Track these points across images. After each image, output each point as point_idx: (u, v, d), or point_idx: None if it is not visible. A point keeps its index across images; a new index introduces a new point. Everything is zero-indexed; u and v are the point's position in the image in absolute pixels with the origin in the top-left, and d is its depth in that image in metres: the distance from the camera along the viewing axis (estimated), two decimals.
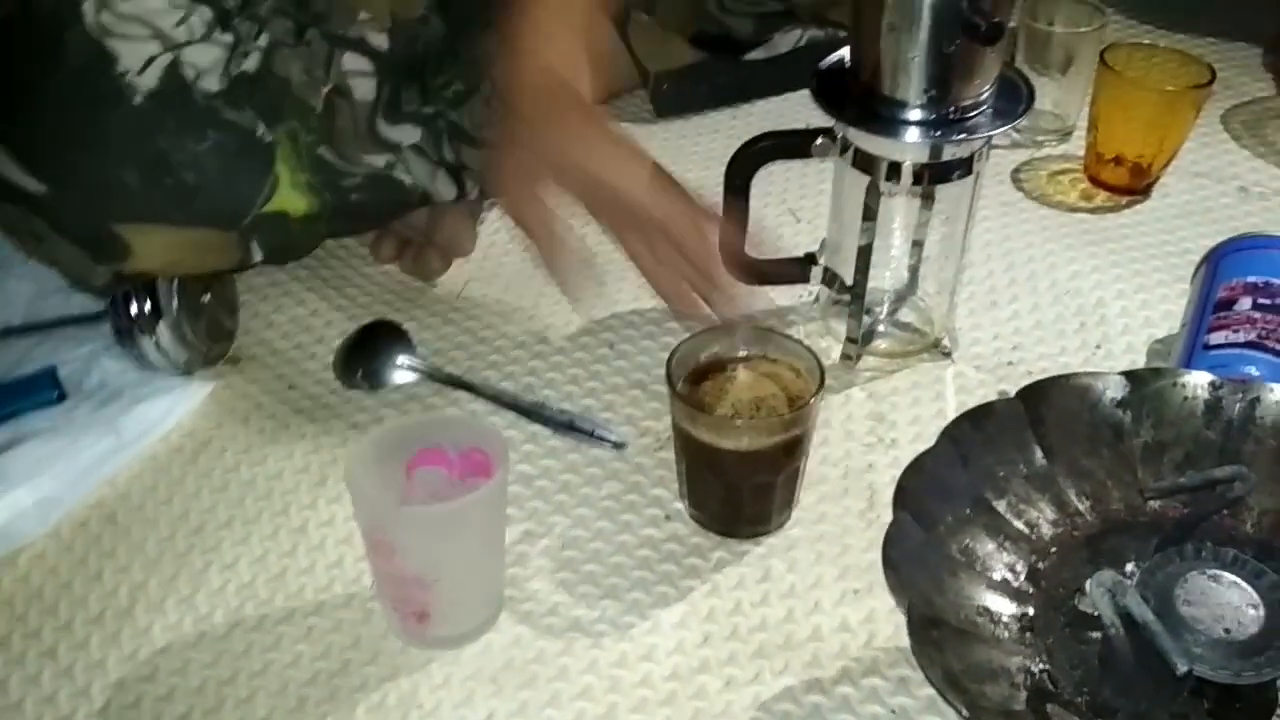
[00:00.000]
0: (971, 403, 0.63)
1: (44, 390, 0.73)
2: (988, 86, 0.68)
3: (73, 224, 0.71)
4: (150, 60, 0.68)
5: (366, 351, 0.78)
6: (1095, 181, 0.94)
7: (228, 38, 0.71)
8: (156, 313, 0.73)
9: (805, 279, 0.79)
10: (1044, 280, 0.85)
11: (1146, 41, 1.02)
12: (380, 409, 0.76)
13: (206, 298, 0.78)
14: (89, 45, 0.67)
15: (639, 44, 1.03)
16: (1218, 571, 0.53)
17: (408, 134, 0.80)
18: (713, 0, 1.02)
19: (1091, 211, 0.92)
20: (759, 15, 1.03)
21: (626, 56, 1.03)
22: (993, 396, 0.73)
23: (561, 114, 0.71)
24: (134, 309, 0.73)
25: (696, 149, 1.00)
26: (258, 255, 0.75)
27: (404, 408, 0.76)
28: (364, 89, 0.77)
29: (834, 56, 0.72)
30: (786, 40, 1.05)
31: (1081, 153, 0.95)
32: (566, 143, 0.71)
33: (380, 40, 0.78)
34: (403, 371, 0.77)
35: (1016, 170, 0.96)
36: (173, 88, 0.69)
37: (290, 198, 0.75)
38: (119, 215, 0.70)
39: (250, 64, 0.72)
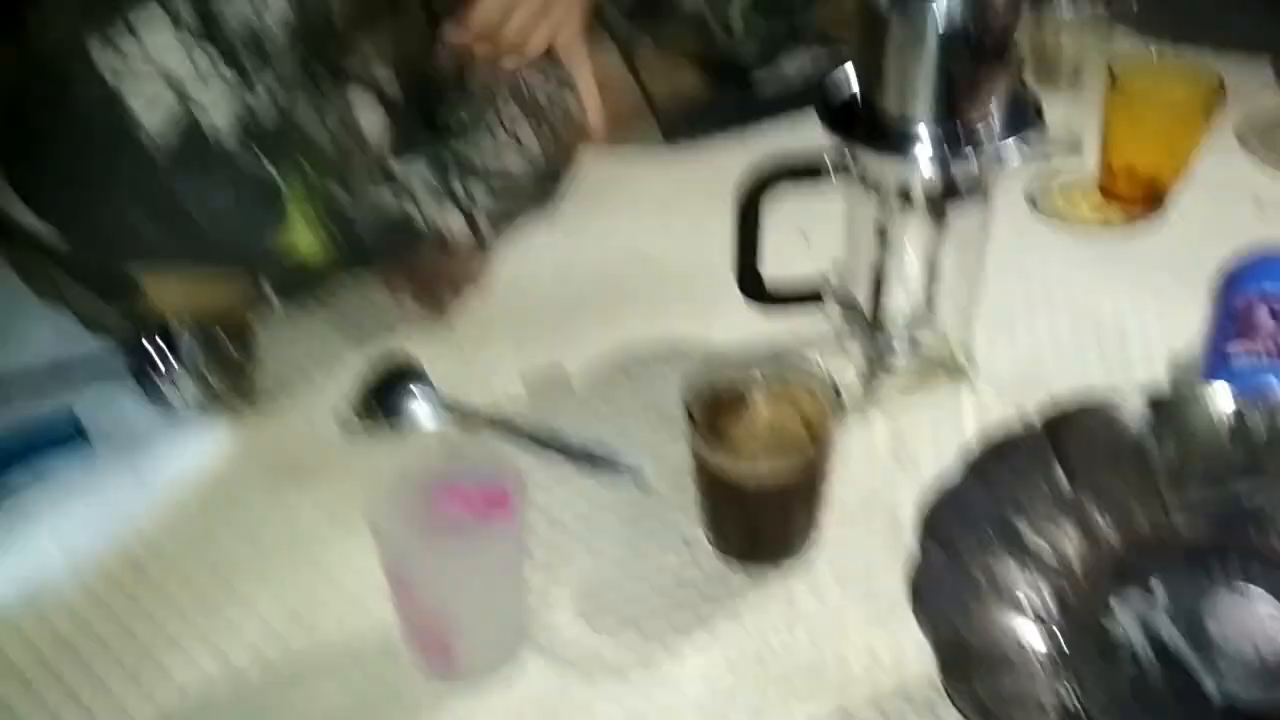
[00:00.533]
0: (992, 424, 0.63)
1: (64, 431, 0.73)
2: (996, 104, 0.68)
3: (84, 267, 0.71)
4: (160, 102, 0.69)
5: (384, 389, 0.78)
6: (1109, 196, 0.94)
7: (236, 79, 0.71)
8: (174, 354, 0.74)
9: (819, 302, 0.79)
10: (1061, 298, 0.85)
11: (1154, 54, 1.02)
12: (399, 446, 0.75)
13: (222, 337, 0.78)
14: (98, 88, 0.68)
15: (647, 71, 1.04)
16: (1245, 584, 0.52)
17: (416, 169, 0.80)
18: (718, 25, 1.03)
19: (1106, 226, 0.92)
20: (764, 38, 1.04)
21: (634, 83, 1.03)
22: (1013, 417, 0.72)
23: None
24: (150, 350, 0.74)
25: (707, 174, 1.00)
26: (271, 295, 0.76)
27: (423, 444, 0.76)
28: (372, 126, 0.78)
29: (839, 76, 0.72)
30: (792, 63, 1.05)
31: (1094, 168, 0.95)
32: None
33: (387, 76, 0.79)
34: (420, 406, 0.77)
35: (1029, 187, 0.96)
36: (182, 130, 0.70)
37: (303, 236, 0.75)
38: (130, 257, 0.71)
39: (259, 104, 0.72)
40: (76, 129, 0.69)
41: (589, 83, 0.95)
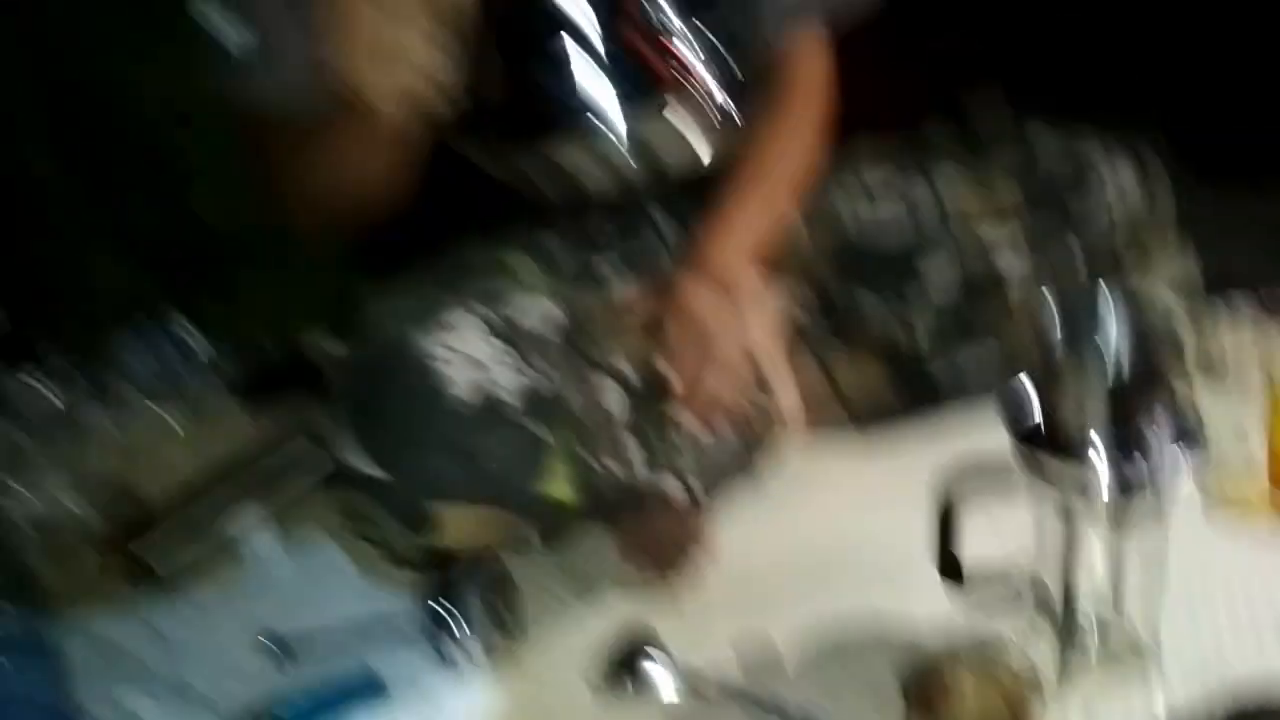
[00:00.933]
0: (1179, 710, 0.69)
1: (366, 686, 0.88)
2: (1161, 413, 0.78)
3: (400, 503, 0.90)
4: (469, 381, 0.90)
5: (625, 656, 0.89)
6: (1277, 484, 1.00)
7: (521, 363, 0.93)
8: (458, 613, 0.89)
9: (1013, 587, 0.87)
10: (1238, 584, 0.91)
11: None
12: (643, 710, 0.86)
13: (497, 596, 0.93)
14: (427, 370, 0.89)
15: (838, 367, 1.17)
16: None
17: (641, 448, 0.98)
18: (900, 328, 1.16)
19: (1277, 514, 0.99)
20: (942, 337, 1.16)
21: (829, 387, 1.17)
22: (1200, 709, 0.78)
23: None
24: (439, 610, 0.89)
25: (897, 460, 1.12)
26: (534, 536, 0.94)
27: (667, 712, 0.86)
28: (616, 406, 0.98)
29: (1018, 386, 0.84)
30: (970, 357, 1.17)
31: (1261, 459, 1.02)
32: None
33: (629, 369, 0.99)
34: (657, 671, 0.88)
35: (1202, 478, 1.04)
36: (483, 401, 0.90)
37: (560, 487, 0.93)
38: (437, 496, 0.90)
39: (538, 384, 0.93)
40: (405, 397, 0.90)
41: (787, 378, 1.10)
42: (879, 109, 1.46)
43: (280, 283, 1.52)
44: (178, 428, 1.33)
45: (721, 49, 0.76)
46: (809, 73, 1.16)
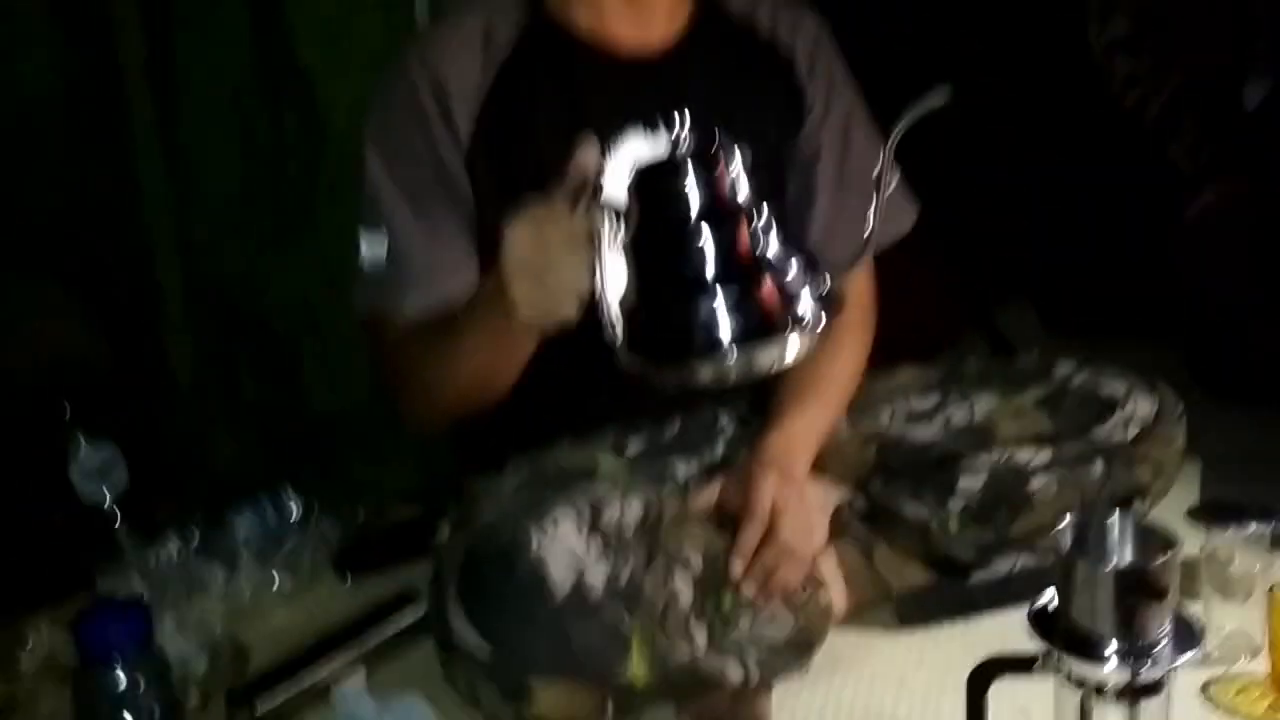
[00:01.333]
0: None
1: None
2: (1167, 619, 0.91)
3: (501, 675, 1.03)
4: (565, 571, 1.04)
5: None
6: None
7: (611, 561, 1.06)
8: None
9: None
10: None
11: None
12: None
13: None
14: (532, 565, 1.04)
15: (883, 566, 1.29)
16: None
17: (706, 632, 1.11)
18: (939, 532, 1.27)
19: None
20: (977, 543, 1.28)
21: (874, 575, 1.29)
22: None
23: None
24: None
25: (936, 652, 1.23)
26: (610, 712, 1.05)
27: None
28: (685, 598, 1.10)
29: (1045, 592, 0.97)
30: (1004, 564, 1.29)
31: (1266, 668, 1.13)
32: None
33: (698, 562, 1.12)
34: None
35: (1206, 686, 1.14)
36: (577, 592, 1.03)
37: (638, 669, 1.05)
38: (533, 671, 1.02)
39: (621, 573, 1.06)
40: (512, 583, 1.04)
41: (835, 575, 1.24)
42: (920, 323, 1.63)
43: (381, 461, 1.69)
44: (281, 587, 1.46)
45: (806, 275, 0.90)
46: (856, 293, 1.30)
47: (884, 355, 1.35)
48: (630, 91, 1.14)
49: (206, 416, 1.72)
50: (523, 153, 1.15)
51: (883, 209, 0.89)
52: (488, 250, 1.13)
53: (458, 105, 1.14)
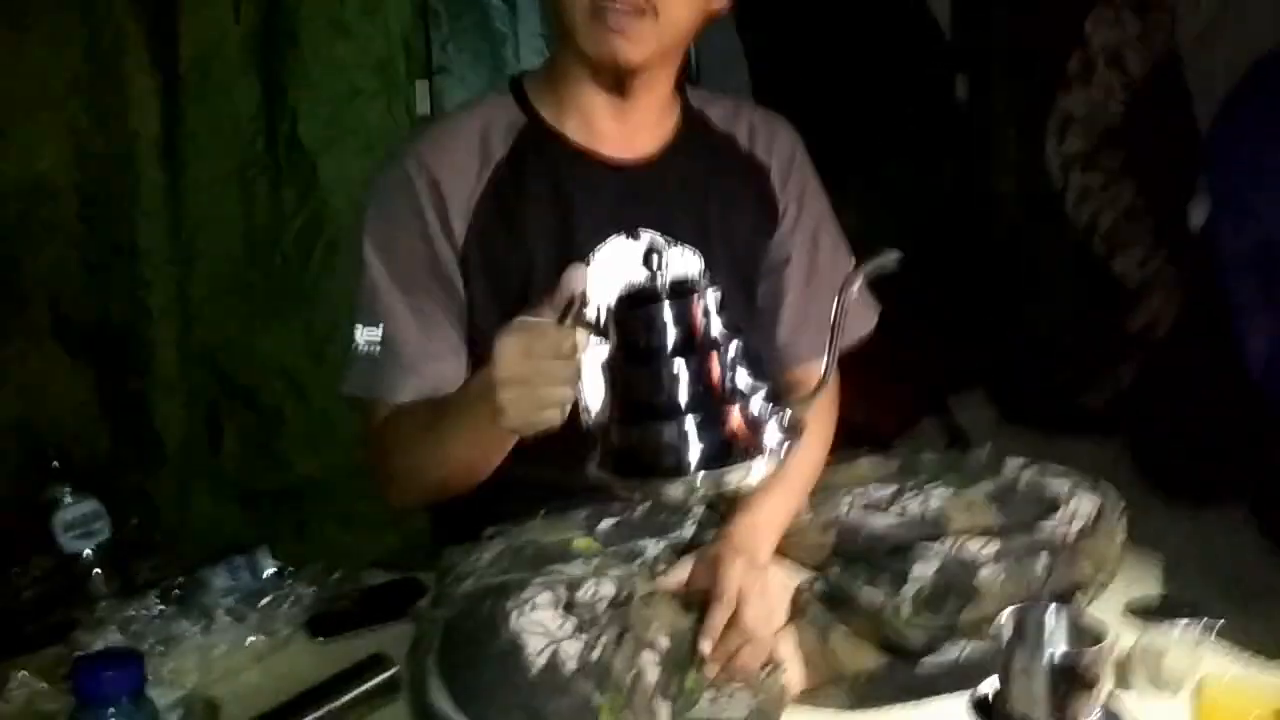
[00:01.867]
0: None
1: None
2: (1098, 711, 0.98)
3: None
4: (540, 647, 1.08)
5: None
6: None
7: (584, 637, 1.10)
8: None
9: None
10: None
11: (1243, 671, 1.27)
12: None
13: None
14: (510, 638, 1.08)
15: (838, 648, 1.34)
16: None
17: (670, 709, 1.14)
18: (893, 618, 1.31)
19: None
20: (931, 631, 1.32)
21: (830, 657, 1.34)
22: None
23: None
24: None
25: None
26: None
27: None
28: (650, 675, 1.14)
29: (986, 684, 1.03)
30: (953, 651, 1.33)
31: None
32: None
33: (664, 642, 1.16)
34: None
35: None
36: (551, 667, 1.07)
37: None
38: None
39: (593, 654, 1.10)
40: (490, 657, 1.07)
41: (794, 655, 1.29)
42: (877, 411, 1.68)
43: (357, 527, 1.73)
44: (255, 646, 1.50)
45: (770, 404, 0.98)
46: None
47: (842, 441, 1.40)
48: (617, 195, 1.22)
49: (189, 475, 1.76)
50: (513, 250, 1.22)
51: (841, 336, 0.97)
52: (477, 342, 1.21)
53: (453, 204, 1.21)
